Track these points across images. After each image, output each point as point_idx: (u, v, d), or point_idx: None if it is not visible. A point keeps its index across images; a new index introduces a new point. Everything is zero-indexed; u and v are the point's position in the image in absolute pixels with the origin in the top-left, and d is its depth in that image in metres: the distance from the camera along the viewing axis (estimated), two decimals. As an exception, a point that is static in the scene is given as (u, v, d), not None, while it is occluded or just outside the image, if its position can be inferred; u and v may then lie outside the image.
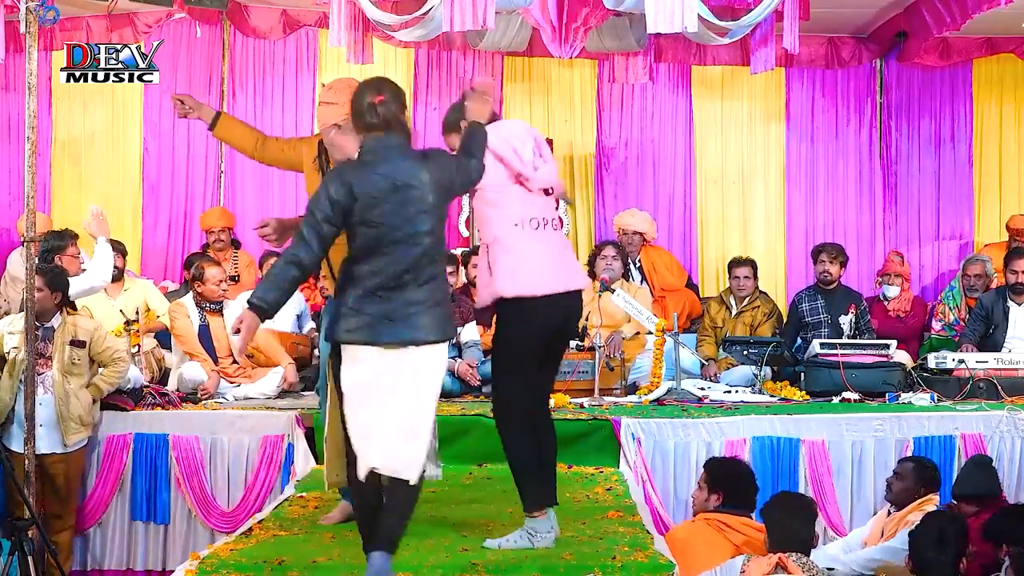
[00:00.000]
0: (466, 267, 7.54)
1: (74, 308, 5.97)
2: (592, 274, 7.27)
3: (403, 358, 3.57)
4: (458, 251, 8.07)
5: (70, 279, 6.03)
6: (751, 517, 4.67)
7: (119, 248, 7.01)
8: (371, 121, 3.65)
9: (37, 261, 5.58)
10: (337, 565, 3.95)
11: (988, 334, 7.05)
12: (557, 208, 4.34)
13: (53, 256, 6.38)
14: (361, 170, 3.60)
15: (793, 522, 4.17)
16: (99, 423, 5.92)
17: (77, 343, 5.71)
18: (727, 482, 4.72)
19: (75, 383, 5.69)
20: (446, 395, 5.93)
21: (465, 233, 8.67)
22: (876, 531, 5.12)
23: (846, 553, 5.09)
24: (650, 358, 6.85)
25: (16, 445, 5.57)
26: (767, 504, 4.36)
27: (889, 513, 5.16)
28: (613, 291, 6.84)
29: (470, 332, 6.88)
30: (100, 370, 5.86)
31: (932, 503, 5.04)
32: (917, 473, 5.12)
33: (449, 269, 7.38)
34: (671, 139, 9.09)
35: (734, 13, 7.07)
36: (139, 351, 6.65)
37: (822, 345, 6.82)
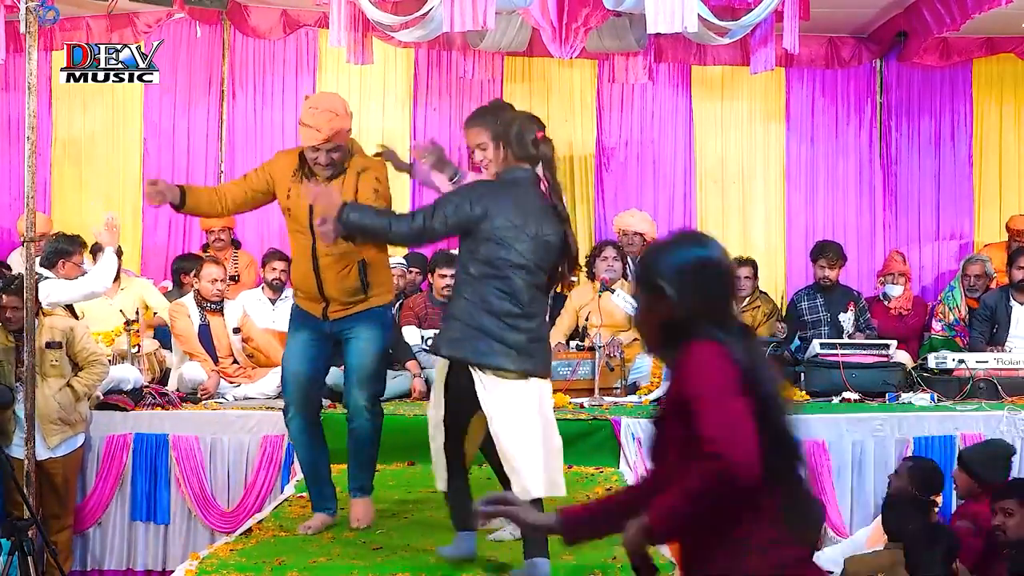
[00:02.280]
0: (432, 274, 7.23)
1: (73, 311, 5.97)
2: (592, 274, 7.27)
3: None
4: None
5: (71, 281, 6.03)
6: None
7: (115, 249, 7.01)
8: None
9: (40, 261, 5.56)
10: (337, 565, 3.96)
11: (993, 333, 7.05)
12: None
13: (58, 259, 6.38)
14: None
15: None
16: (90, 421, 5.90)
17: (53, 344, 5.67)
18: None
19: (54, 385, 5.64)
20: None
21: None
22: (877, 531, 5.12)
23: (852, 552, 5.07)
24: (650, 358, 6.83)
25: (13, 450, 5.55)
26: None
27: (892, 511, 5.15)
28: (613, 291, 6.84)
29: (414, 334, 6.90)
30: (78, 372, 5.81)
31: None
32: (911, 475, 5.11)
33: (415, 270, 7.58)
34: (671, 139, 9.08)
35: (734, 13, 7.07)
36: (139, 351, 6.65)
37: (822, 345, 6.82)
